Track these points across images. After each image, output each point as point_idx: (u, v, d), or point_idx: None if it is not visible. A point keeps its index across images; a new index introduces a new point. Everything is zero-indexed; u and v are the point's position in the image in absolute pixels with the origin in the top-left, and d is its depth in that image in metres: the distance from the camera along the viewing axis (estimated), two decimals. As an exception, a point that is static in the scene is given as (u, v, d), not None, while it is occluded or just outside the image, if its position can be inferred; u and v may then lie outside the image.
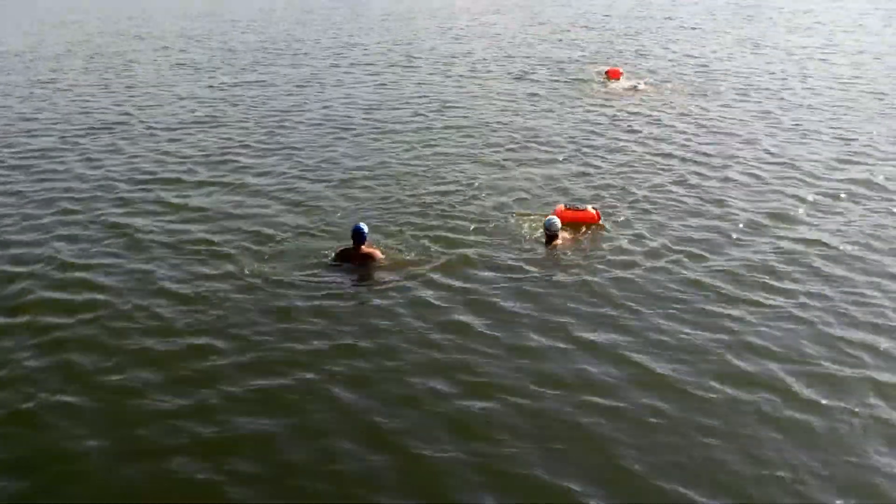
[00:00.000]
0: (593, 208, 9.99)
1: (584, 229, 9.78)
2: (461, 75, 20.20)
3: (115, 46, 27.72)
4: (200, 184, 12.03)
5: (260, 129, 15.30)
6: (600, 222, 9.86)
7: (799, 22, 28.24)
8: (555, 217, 9.47)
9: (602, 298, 8.04)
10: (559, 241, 9.39)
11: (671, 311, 7.73)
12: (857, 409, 6.15)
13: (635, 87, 17.70)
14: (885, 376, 6.59)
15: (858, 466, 5.61)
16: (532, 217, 10.16)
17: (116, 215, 10.76)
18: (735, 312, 7.66)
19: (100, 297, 8.34)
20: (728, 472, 5.59)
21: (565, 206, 10.00)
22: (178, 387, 6.68)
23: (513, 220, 10.16)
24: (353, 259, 8.85)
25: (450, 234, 9.77)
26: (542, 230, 9.53)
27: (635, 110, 15.83)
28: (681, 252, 9.06)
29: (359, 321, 7.73)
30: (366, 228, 8.92)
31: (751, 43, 23.92)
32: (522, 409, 6.30)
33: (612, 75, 18.77)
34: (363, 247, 8.84)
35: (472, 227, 9.97)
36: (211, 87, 19.74)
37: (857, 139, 13.53)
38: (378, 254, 8.92)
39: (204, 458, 5.84)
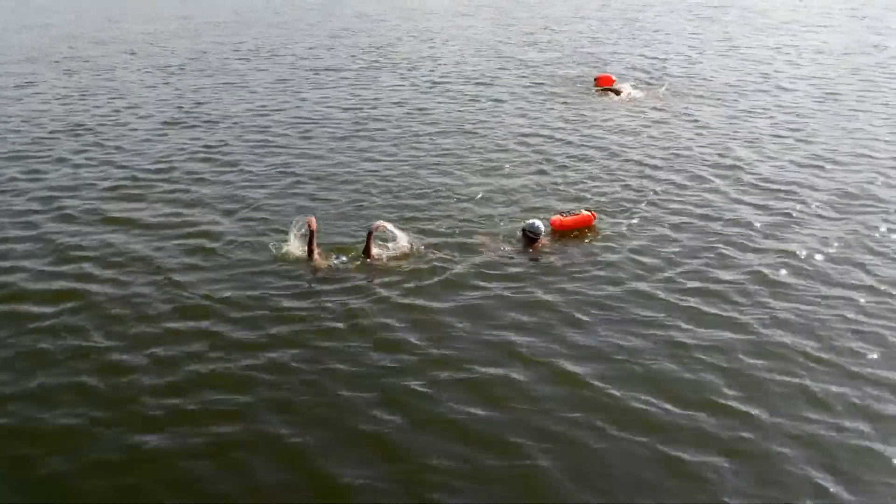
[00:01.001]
0: (586, 210, 9.97)
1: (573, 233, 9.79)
2: (436, 81, 19.82)
3: (79, 51, 27.29)
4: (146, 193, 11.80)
5: (234, 131, 15.25)
6: (595, 222, 9.83)
7: (767, 20, 28.35)
8: (537, 221, 9.43)
9: (554, 310, 7.93)
10: (540, 245, 9.36)
11: (626, 329, 7.57)
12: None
13: (625, 92, 17.02)
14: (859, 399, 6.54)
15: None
16: (507, 222, 10.15)
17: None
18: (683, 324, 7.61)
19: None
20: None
21: (562, 215, 9.83)
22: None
23: (493, 226, 10.10)
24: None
25: (424, 237, 9.63)
26: (520, 233, 9.52)
27: (625, 116, 15.52)
28: (661, 265, 8.85)
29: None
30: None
31: (726, 43, 23.78)
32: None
33: (603, 82, 17.84)
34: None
35: (449, 231, 9.93)
36: (178, 90, 19.44)
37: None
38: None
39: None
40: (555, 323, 7.68)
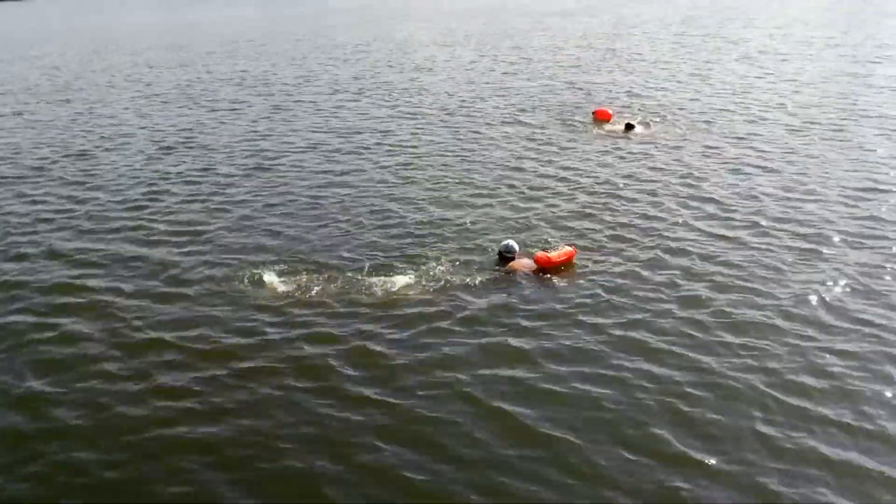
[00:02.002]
0: (568, 245, 9.94)
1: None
2: (427, 112, 19.88)
3: (63, 82, 27.44)
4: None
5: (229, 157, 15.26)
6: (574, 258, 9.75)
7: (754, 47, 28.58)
8: (511, 241, 9.82)
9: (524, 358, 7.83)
10: (515, 266, 9.59)
11: (586, 368, 7.55)
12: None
13: (628, 126, 16.49)
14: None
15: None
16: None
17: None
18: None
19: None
20: None
21: (547, 251, 9.75)
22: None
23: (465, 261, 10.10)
24: None
25: (398, 266, 9.89)
26: (496, 256, 9.83)
27: (617, 150, 15.20)
28: (638, 306, 8.69)
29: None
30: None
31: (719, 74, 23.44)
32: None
33: (600, 116, 17.43)
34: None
35: (432, 256, 10.11)
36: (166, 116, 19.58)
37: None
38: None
39: None
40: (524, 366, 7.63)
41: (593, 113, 17.90)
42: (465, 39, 36.13)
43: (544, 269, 9.56)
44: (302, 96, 23.10)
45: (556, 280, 9.38)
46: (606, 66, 26.36)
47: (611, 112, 17.63)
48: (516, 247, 9.81)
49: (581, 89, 21.96)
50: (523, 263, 9.71)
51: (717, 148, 15.12)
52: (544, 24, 41.05)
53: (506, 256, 9.75)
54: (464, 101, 21.05)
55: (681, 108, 18.71)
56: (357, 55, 32.16)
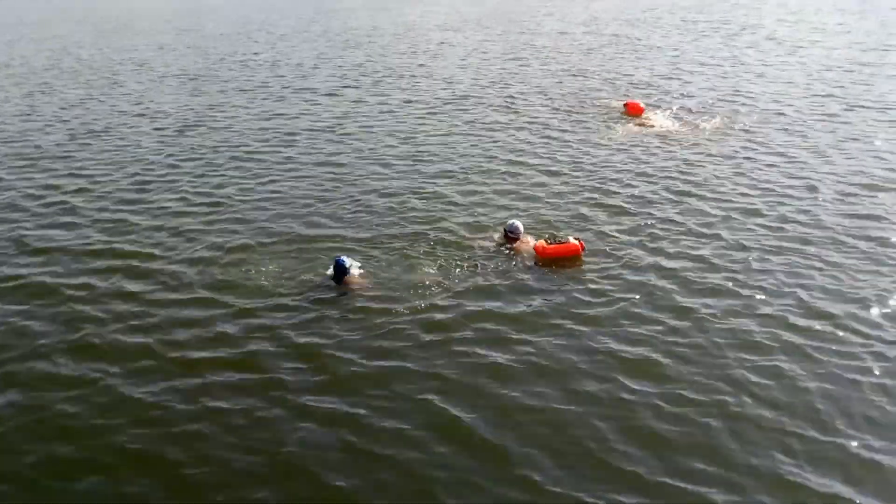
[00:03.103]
0: (576, 239, 9.78)
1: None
2: (434, 99, 19.93)
3: (63, 67, 27.55)
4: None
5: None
6: (582, 255, 9.69)
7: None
8: (516, 221, 10.09)
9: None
10: (518, 248, 9.84)
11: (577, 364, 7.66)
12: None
13: (658, 123, 15.86)
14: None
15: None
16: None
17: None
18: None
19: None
20: None
21: (546, 241, 9.83)
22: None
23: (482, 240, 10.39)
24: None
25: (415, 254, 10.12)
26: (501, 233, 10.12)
27: (643, 145, 14.79)
28: (643, 315, 8.52)
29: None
30: (347, 262, 9.15)
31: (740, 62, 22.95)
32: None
33: (633, 110, 16.74)
34: (346, 279, 9.14)
35: (442, 245, 10.34)
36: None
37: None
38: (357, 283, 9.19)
39: None
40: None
41: (625, 105, 17.28)
42: (475, 24, 35.98)
43: (545, 260, 9.59)
44: (308, 80, 23.24)
45: (552, 277, 9.43)
46: (613, 52, 26.15)
47: (643, 105, 17.03)
48: (520, 227, 10.06)
49: (596, 77, 21.76)
50: (526, 247, 9.92)
51: (744, 146, 14.55)
52: (551, 7, 40.77)
53: (509, 236, 10.02)
54: (475, 87, 21.05)
55: (709, 100, 18.14)
56: (366, 39, 32.12)
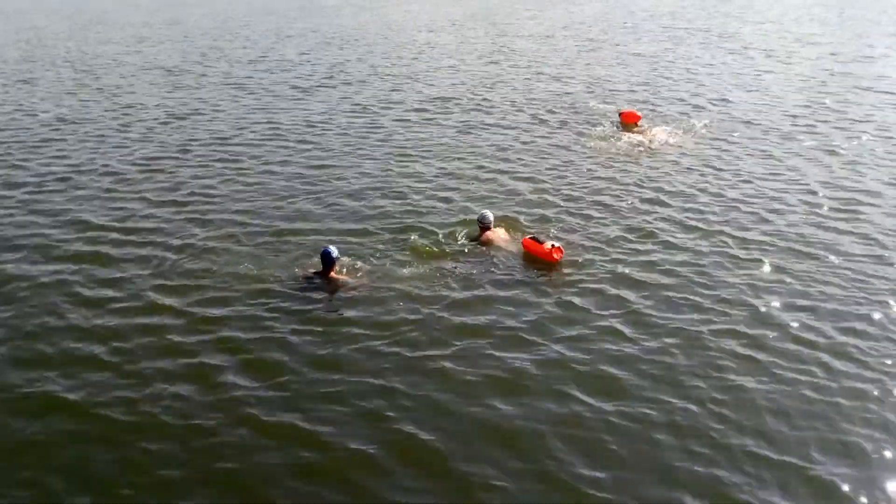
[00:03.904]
0: (553, 245, 9.70)
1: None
2: (420, 99, 19.79)
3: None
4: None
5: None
6: (558, 263, 9.61)
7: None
8: (487, 211, 10.49)
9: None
10: (490, 237, 10.17)
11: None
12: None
13: (653, 134, 15.44)
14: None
15: None
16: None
17: None
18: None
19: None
20: None
21: (531, 237, 10.02)
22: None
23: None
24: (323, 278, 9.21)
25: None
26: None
27: (631, 156, 14.53)
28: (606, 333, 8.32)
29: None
30: (335, 252, 9.14)
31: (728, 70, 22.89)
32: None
33: (628, 119, 16.27)
34: (332, 272, 9.14)
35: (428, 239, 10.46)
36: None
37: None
38: (342, 279, 9.23)
39: None
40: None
41: (620, 114, 16.78)
42: (459, 25, 35.89)
43: (526, 254, 9.79)
44: (289, 76, 23.29)
45: (521, 286, 9.31)
46: (592, 57, 26.09)
47: (639, 114, 16.54)
48: (490, 217, 10.36)
49: (575, 81, 21.73)
50: (495, 236, 10.20)
51: (727, 153, 14.51)
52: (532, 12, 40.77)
53: (480, 226, 10.35)
54: (462, 89, 20.99)
55: (687, 109, 18.09)
56: (349, 38, 31.92)
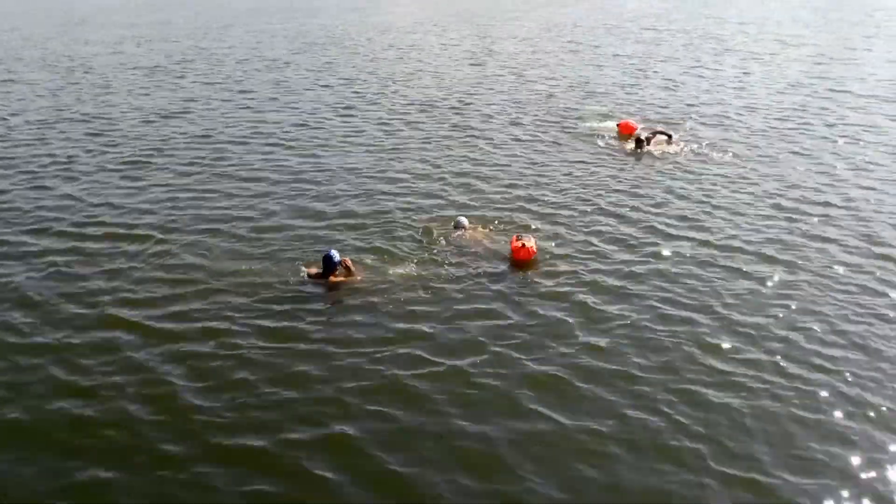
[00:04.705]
0: (523, 244, 9.87)
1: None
2: (403, 103, 19.60)
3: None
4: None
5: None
6: (528, 262, 9.85)
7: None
8: (463, 217, 10.94)
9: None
10: (466, 234, 10.58)
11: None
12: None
13: (652, 144, 14.92)
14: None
15: None
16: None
17: None
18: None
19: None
20: None
21: (519, 238, 10.16)
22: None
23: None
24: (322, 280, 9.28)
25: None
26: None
27: (622, 164, 14.28)
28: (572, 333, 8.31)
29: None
30: (337, 256, 9.24)
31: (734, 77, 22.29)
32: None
33: (625, 130, 15.91)
34: (332, 276, 9.21)
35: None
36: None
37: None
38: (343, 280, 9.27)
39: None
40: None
41: (618, 126, 16.40)
42: (445, 27, 35.80)
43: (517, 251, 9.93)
44: (275, 78, 23.10)
45: (492, 292, 9.28)
46: (575, 60, 26.02)
47: (634, 124, 16.24)
48: (465, 222, 10.86)
49: (558, 84, 21.61)
50: (473, 234, 10.64)
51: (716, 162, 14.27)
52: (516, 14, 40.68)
53: (455, 226, 10.85)
54: (447, 91, 20.89)
55: (669, 112, 18.03)
56: (336, 39, 31.79)
